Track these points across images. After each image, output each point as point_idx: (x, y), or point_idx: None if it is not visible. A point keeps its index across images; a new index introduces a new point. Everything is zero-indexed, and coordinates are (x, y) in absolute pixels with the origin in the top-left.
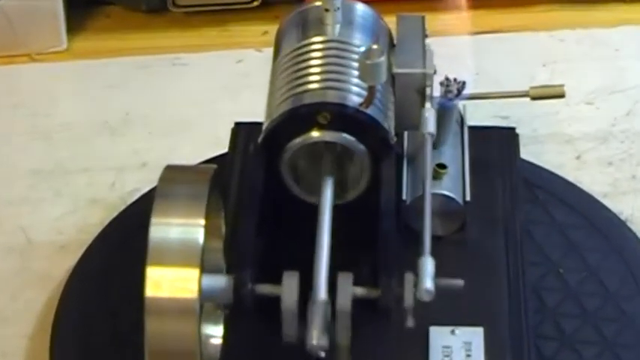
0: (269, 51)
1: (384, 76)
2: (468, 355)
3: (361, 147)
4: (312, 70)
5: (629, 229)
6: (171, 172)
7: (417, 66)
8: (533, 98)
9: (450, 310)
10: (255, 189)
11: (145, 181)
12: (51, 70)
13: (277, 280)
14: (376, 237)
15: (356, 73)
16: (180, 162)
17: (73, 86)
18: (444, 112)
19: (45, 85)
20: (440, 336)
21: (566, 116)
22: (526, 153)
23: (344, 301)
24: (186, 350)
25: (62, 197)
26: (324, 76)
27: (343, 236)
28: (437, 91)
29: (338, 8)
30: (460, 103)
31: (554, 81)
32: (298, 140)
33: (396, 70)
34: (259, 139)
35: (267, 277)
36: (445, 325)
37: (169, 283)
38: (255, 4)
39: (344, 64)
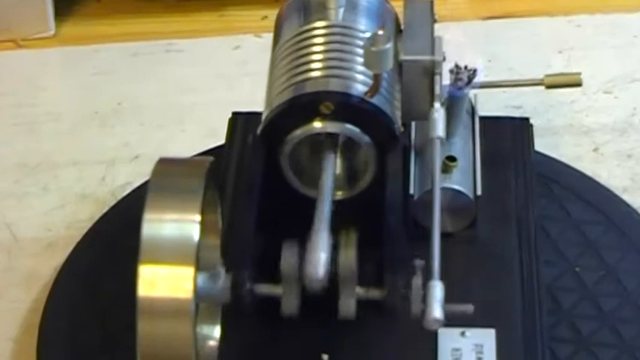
0: (268, 37)
1: (390, 64)
2: (479, 359)
3: (366, 138)
4: (314, 57)
5: None
6: (165, 165)
7: (426, 53)
8: (549, 87)
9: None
10: (253, 183)
11: (137, 174)
12: (38, 57)
13: (277, 279)
14: (382, 234)
15: (361, 60)
16: (174, 154)
17: (60, 74)
18: (453, 102)
19: (31, 72)
20: (449, 338)
21: (583, 106)
22: (541, 145)
23: (348, 302)
24: (181, 353)
25: (49, 192)
26: (327, 63)
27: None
28: (446, 79)
29: None
30: (471, 92)
31: (570, 68)
32: (299, 131)
33: (403, 58)
34: (258, 130)
35: (266, 275)
36: (455, 327)
37: (163, 282)
38: None
39: (348, 51)
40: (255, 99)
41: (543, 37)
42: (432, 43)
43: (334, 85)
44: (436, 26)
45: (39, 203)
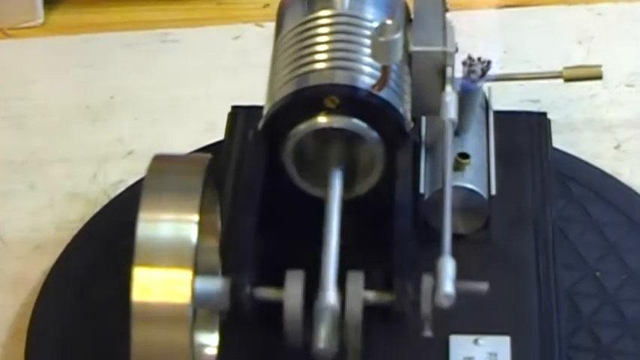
0: (270, 26)
1: (399, 55)
2: None
3: (373, 134)
4: (318, 47)
5: None
6: (161, 162)
7: (437, 44)
8: (567, 80)
9: (472, 317)
10: (254, 181)
11: (131, 172)
12: (25, 48)
13: (279, 283)
14: (390, 236)
15: (368, 51)
16: (170, 150)
17: (50, 65)
18: (466, 96)
19: (18, 64)
20: (461, 346)
21: (604, 100)
22: (559, 141)
23: (354, 307)
24: None
25: (37, 190)
26: (333, 54)
27: (353, 235)
28: (459, 71)
29: None
30: (485, 85)
31: (590, 60)
32: (303, 126)
33: (413, 49)
34: (259, 125)
35: (268, 279)
36: (467, 334)
37: (159, 286)
38: None
39: (355, 42)
40: (256, 92)
41: (562, 26)
42: (444, 33)
43: (340, 78)
44: (448, 15)
45: (26, 203)
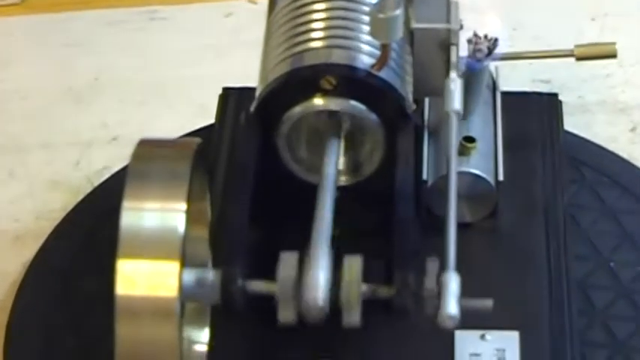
0: (264, 2)
1: (399, 33)
2: None
3: (373, 117)
4: (314, 25)
5: None
6: (146, 147)
7: (440, 20)
8: (580, 58)
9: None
10: (246, 167)
11: (116, 158)
12: (3, 27)
13: (271, 276)
14: (391, 225)
15: (367, 29)
16: (157, 135)
17: (29, 45)
18: (472, 76)
19: None
20: (468, 341)
21: (619, 80)
22: (571, 124)
23: (352, 297)
24: (165, 358)
25: (17, 178)
26: (329, 32)
27: (351, 223)
28: (464, 50)
29: None
30: (492, 65)
31: (604, 38)
32: (298, 109)
33: (414, 26)
34: (252, 108)
35: (260, 271)
36: (474, 329)
37: (144, 279)
38: None
39: (353, 19)
40: (248, 73)
41: (574, 1)
42: (448, 9)
43: (337, 57)
44: None
45: (4, 191)
